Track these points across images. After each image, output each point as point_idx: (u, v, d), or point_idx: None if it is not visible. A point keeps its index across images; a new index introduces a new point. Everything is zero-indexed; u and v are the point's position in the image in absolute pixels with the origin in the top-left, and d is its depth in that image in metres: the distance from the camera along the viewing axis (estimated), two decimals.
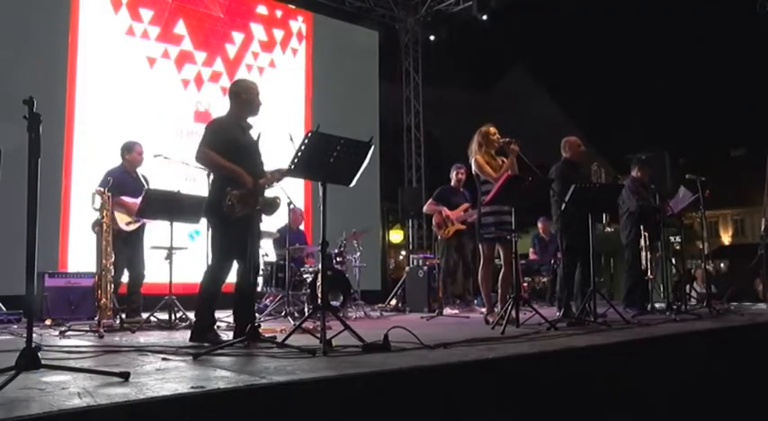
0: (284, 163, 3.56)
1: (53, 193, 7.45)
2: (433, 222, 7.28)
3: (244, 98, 4.01)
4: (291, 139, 3.67)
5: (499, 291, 5.27)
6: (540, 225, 9.16)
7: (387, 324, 4.43)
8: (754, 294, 9.03)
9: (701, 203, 6.69)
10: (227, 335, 4.12)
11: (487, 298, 5.32)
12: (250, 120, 4.07)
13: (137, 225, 5.61)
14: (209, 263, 3.99)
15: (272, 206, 3.90)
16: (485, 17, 11.43)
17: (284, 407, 2.18)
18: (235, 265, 3.93)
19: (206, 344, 3.54)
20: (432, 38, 12.45)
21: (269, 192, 3.99)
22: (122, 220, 5.52)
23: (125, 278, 5.63)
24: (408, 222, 12.38)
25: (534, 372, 3.05)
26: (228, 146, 3.85)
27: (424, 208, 7.54)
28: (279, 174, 3.93)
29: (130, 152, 5.84)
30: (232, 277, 3.95)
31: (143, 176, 5.85)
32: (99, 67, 8.15)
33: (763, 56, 17.13)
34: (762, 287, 8.81)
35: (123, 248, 5.50)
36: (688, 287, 7.82)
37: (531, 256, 9.27)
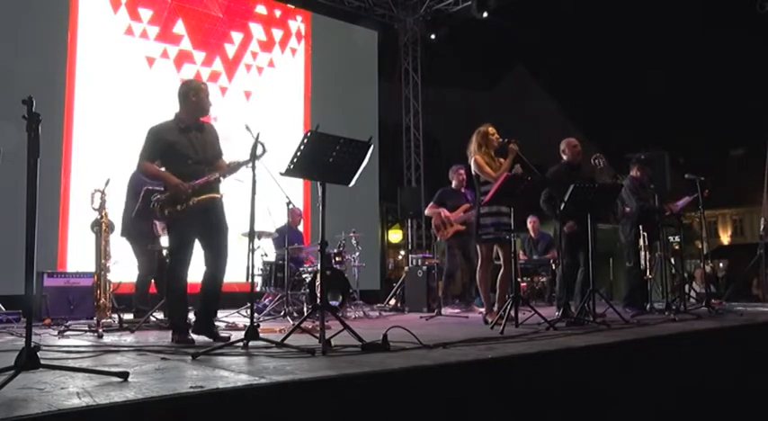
0: (280, 163, 3.53)
1: (52, 193, 7.44)
2: (433, 224, 7.30)
3: (193, 100, 4.00)
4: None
5: (498, 290, 5.27)
6: (529, 223, 9.12)
7: (386, 323, 4.44)
8: (752, 294, 9.05)
9: (700, 203, 6.68)
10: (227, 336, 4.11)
11: (486, 298, 5.31)
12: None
13: None
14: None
15: (197, 207, 3.82)
16: (485, 15, 11.41)
17: (283, 406, 2.18)
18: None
19: (187, 345, 3.55)
20: (432, 37, 12.45)
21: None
22: (160, 225, 5.49)
23: (129, 278, 5.61)
24: (407, 222, 12.38)
25: (534, 372, 3.05)
26: (163, 149, 3.89)
27: (426, 211, 7.56)
28: (234, 166, 3.88)
29: None
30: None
31: None
32: (98, 67, 8.14)
33: (763, 56, 17.14)
34: (760, 287, 8.83)
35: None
36: (687, 287, 7.81)
37: (521, 257, 9.22)
